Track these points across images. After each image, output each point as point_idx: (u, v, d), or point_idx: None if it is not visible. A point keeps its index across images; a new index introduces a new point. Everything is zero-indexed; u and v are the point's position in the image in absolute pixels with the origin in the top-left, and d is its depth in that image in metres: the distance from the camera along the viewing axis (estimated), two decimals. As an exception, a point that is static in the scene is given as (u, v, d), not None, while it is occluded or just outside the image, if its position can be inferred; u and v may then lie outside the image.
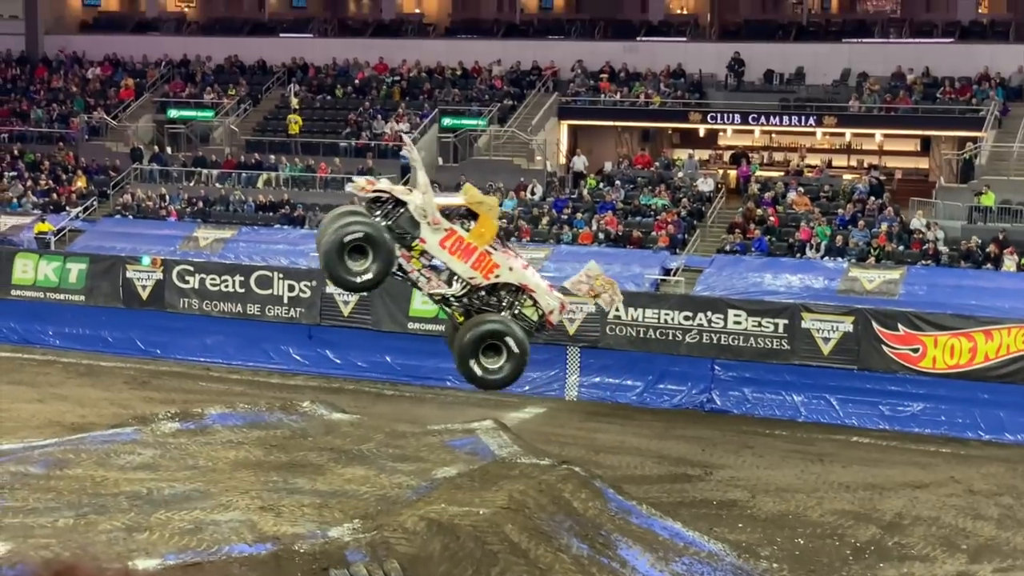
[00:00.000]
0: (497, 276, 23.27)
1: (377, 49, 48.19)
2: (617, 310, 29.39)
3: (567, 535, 21.00)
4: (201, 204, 41.48)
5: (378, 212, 23.07)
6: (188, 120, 46.79)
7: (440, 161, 42.94)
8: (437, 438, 27.36)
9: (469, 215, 23.41)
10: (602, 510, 22.21)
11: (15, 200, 42.70)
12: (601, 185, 40.63)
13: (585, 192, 40.22)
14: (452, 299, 23.57)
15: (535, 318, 23.34)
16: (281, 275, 37.05)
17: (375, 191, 23.16)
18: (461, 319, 23.41)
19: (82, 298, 38.89)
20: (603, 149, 44.61)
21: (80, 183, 43.69)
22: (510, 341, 22.62)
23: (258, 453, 26.21)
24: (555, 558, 20.09)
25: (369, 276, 22.21)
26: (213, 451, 26.32)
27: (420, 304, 35.48)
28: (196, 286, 37.72)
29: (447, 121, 44.17)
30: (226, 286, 37.41)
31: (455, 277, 23.21)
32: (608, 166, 42.26)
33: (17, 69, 50.87)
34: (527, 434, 28.37)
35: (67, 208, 42.00)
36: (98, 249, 39.34)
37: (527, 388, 34.39)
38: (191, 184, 42.88)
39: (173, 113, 47.36)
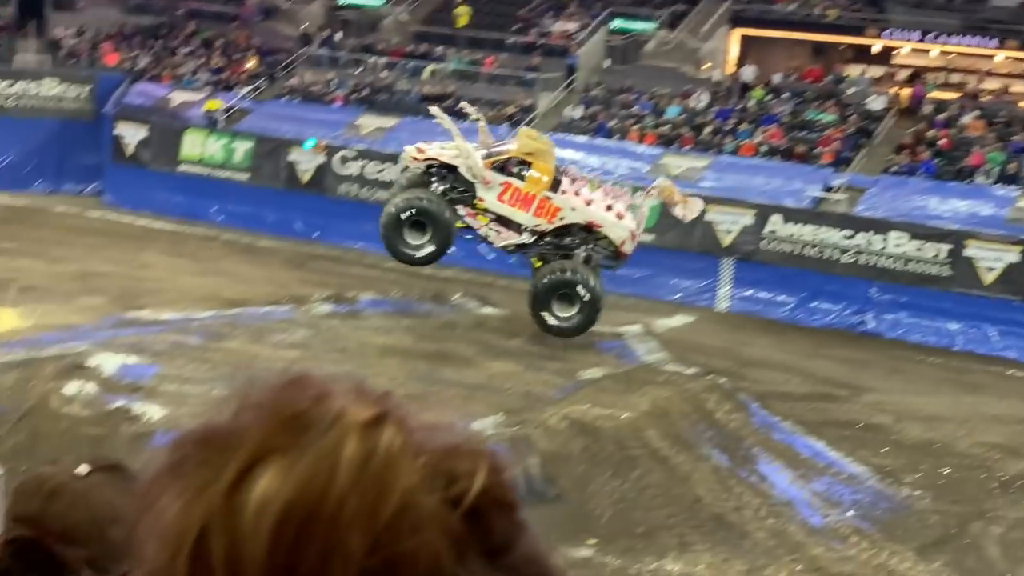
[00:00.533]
0: (562, 219, 24.18)
1: (551, -55, 47.75)
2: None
3: (708, 445, 20.97)
4: (367, 91, 41.78)
5: (434, 180, 23.51)
6: (359, 7, 47.02)
7: (607, 63, 42.54)
8: (585, 339, 27.44)
9: (524, 163, 23.93)
10: (745, 423, 22.12)
11: (188, 76, 43.47)
12: (768, 97, 39.93)
13: (751, 103, 39.58)
14: (526, 247, 24.59)
15: (610, 250, 24.07)
16: (441, 167, 37.20)
17: (426, 159, 23.39)
18: (538, 264, 23.72)
19: (246, 177, 39.59)
20: (773, 60, 43.73)
21: (251, 63, 44.27)
22: (581, 290, 23.00)
23: (407, 341, 26.60)
24: (694, 467, 20.09)
25: (431, 249, 24.15)
26: (363, 336, 26.80)
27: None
28: (356, 172, 38.11)
29: (617, 23, 43.69)
30: (386, 175, 37.72)
31: (523, 226, 24.14)
32: (777, 78, 41.47)
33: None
34: (675, 342, 28.30)
35: (237, 87, 42.62)
36: (264, 130, 39.92)
37: (679, 296, 34.24)
38: (358, 71, 43.17)
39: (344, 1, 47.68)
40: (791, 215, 33.23)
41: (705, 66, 42.22)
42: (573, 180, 24.78)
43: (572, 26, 43.33)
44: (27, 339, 26.93)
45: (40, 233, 37.02)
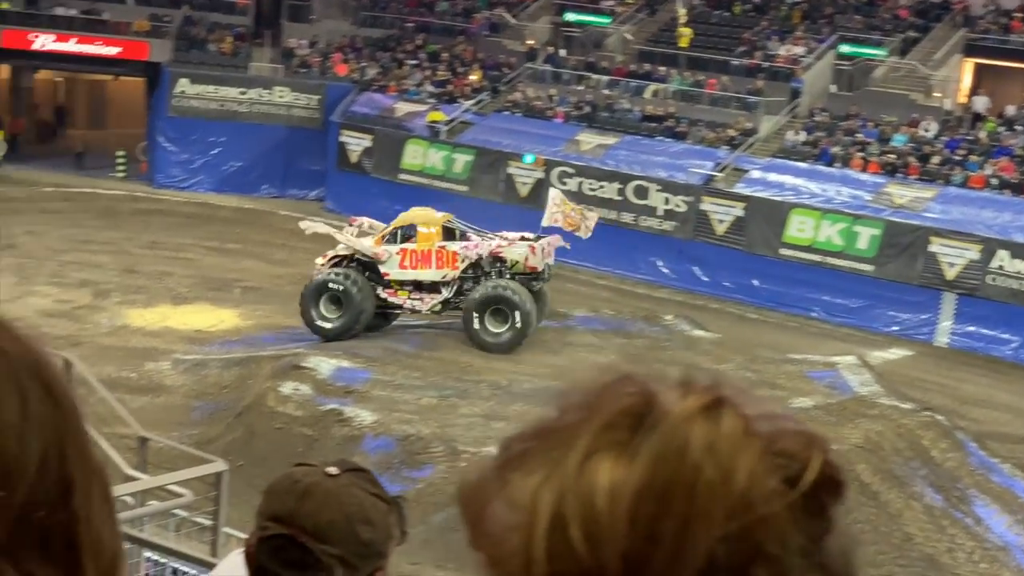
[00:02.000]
0: (464, 259, 26.52)
1: (781, -32, 47.14)
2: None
3: (921, 483, 20.34)
4: (587, 108, 41.87)
5: (342, 271, 26.56)
6: (584, 24, 47.18)
7: (833, 89, 41.79)
8: (797, 367, 26.98)
9: (411, 231, 26.84)
10: (961, 463, 21.39)
11: (413, 88, 44.21)
12: (1001, 129, 38.66)
13: (982, 134, 38.38)
14: (450, 300, 26.73)
15: (520, 269, 26.49)
16: (659, 187, 37.09)
17: (329, 261, 27.05)
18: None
19: (465, 188, 40.05)
20: (1007, 91, 42.34)
21: (475, 77, 44.80)
22: (511, 299, 25.74)
23: (617, 359, 26.49)
24: (905, 504, 19.51)
25: (338, 325, 26.14)
26: (574, 352, 26.81)
27: (795, 231, 34.88)
28: (574, 189, 38.19)
29: (845, 48, 42.88)
30: (603, 192, 37.75)
31: (436, 283, 26.58)
32: (1011, 110, 40.13)
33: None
34: (890, 375, 27.56)
35: (460, 100, 43.18)
36: (485, 143, 40.34)
37: (896, 328, 33.39)
38: (580, 88, 43.30)
39: (571, 16, 47.84)
40: (1020, 251, 32.10)
41: (935, 94, 41.13)
42: (463, 234, 27.25)
43: (799, 50, 42.70)
44: (247, 338, 27.73)
45: (264, 236, 38.09)
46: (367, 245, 26.91)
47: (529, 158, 39.02)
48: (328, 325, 26.42)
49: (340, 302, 26.35)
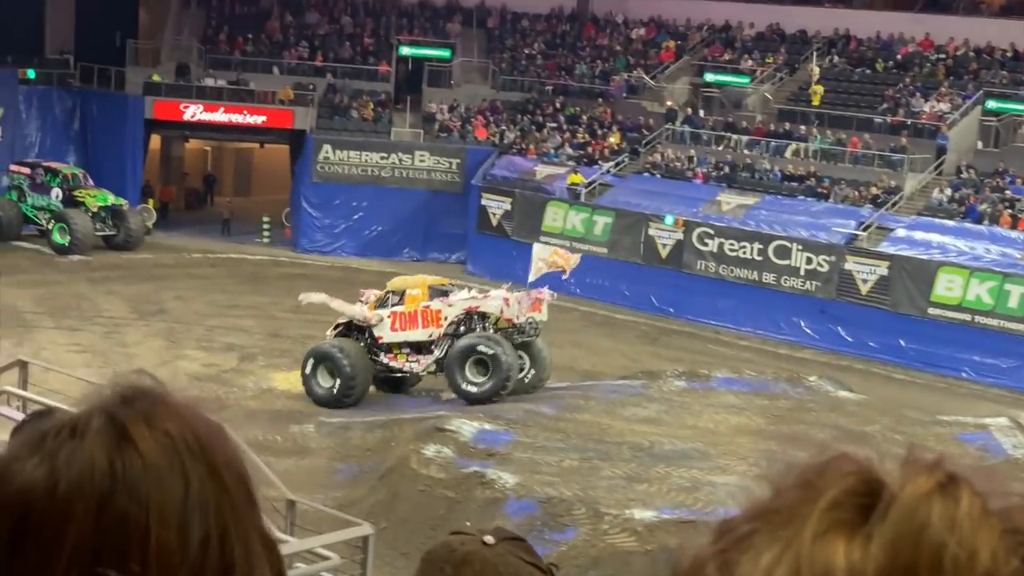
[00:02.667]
0: (447, 317, 27.46)
1: (925, 24, 46.57)
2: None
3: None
4: (727, 169, 41.68)
5: (337, 340, 27.85)
6: (723, 85, 47.05)
7: (980, 145, 41.04)
8: (947, 429, 26.38)
9: (400, 295, 27.95)
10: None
11: (552, 150, 44.45)
12: None
13: None
14: (443, 359, 27.52)
15: (495, 321, 27.39)
16: (800, 247, 36.71)
17: (335, 330, 28.35)
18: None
19: (605, 250, 40.06)
20: None
21: (614, 139, 44.90)
22: (486, 349, 26.46)
23: (760, 421, 26.17)
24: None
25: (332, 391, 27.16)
26: (716, 413, 26.54)
27: (943, 290, 34.22)
28: (715, 249, 38.01)
29: (992, 104, 42.13)
30: (744, 252, 37.48)
31: (427, 342, 27.58)
32: None
33: (567, 25, 52.82)
34: (1045, 438, 26.74)
35: (599, 162, 43.29)
36: (624, 204, 40.36)
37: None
38: (719, 148, 43.13)
39: (709, 77, 47.78)
40: None
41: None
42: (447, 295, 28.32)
43: (943, 106, 42.06)
44: (390, 400, 27.94)
45: (406, 298, 38.40)
46: (357, 311, 28.19)
47: (669, 219, 38.94)
48: (320, 391, 27.38)
49: (332, 371, 27.32)
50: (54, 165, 42.84)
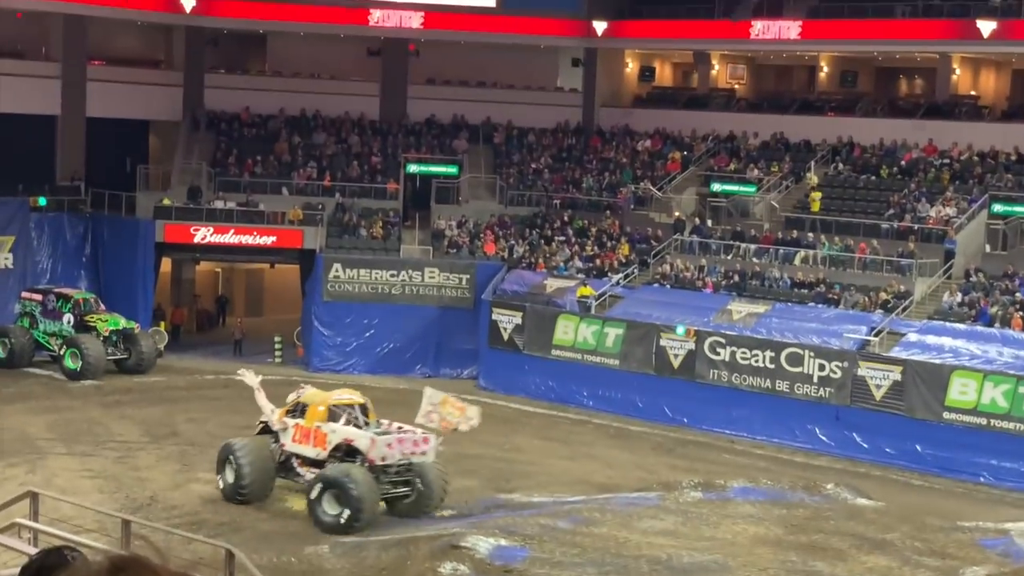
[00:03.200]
0: (330, 442, 27.70)
1: (927, 130, 46.93)
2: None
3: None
4: (737, 277, 41.77)
5: (245, 441, 28.76)
6: (730, 194, 47.34)
7: (987, 248, 41.13)
8: (967, 535, 26.14)
9: (302, 408, 28.59)
10: None
11: (562, 264, 44.60)
12: None
13: None
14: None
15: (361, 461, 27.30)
16: (812, 353, 36.65)
17: (260, 423, 29.43)
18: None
19: (616, 362, 40.02)
20: None
21: (623, 251, 45.08)
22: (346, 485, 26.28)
23: (778, 531, 25.93)
24: None
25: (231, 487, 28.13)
26: (733, 524, 26.31)
27: (958, 394, 34.07)
28: (727, 358, 37.95)
29: (998, 207, 42.30)
30: (756, 360, 37.41)
31: (318, 461, 27.89)
32: None
33: (573, 139, 53.30)
34: (1068, 542, 26.44)
35: (609, 274, 43.41)
36: (635, 316, 40.39)
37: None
38: (728, 257, 43.27)
39: (716, 187, 48.07)
40: None
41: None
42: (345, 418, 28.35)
43: (950, 210, 42.23)
44: (405, 519, 27.73)
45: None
46: (268, 413, 29.10)
47: (680, 329, 38.94)
48: (222, 485, 28.45)
49: (236, 470, 28.11)
50: (65, 291, 43.05)
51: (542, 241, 46.50)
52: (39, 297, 42.62)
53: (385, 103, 53.20)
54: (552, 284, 43.11)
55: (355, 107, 52.57)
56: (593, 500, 28.75)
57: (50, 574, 3.15)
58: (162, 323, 46.33)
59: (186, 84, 51.55)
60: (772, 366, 37.13)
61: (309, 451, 28.13)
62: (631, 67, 56.56)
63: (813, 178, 45.99)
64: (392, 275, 44.69)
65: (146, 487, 29.40)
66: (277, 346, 45.33)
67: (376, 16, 50.97)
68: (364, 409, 28.80)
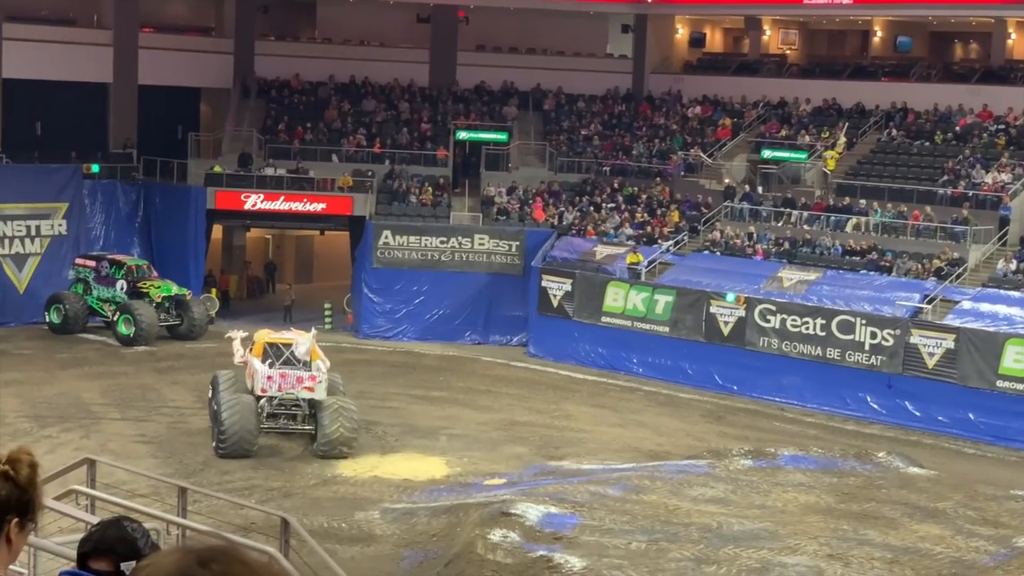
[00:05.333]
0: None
1: (982, 96, 46.41)
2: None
3: None
4: (787, 245, 41.51)
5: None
6: (781, 161, 46.99)
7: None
8: (1020, 504, 25.96)
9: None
10: None
11: (612, 231, 44.46)
12: None
13: None
14: None
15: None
16: (864, 321, 36.40)
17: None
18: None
19: (666, 329, 39.93)
20: None
21: (673, 218, 44.88)
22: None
23: (829, 499, 25.82)
24: None
25: None
26: (784, 492, 26.22)
27: (1012, 362, 33.77)
28: (777, 326, 37.77)
29: (1053, 172, 41.80)
30: (807, 328, 37.21)
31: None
32: None
33: (623, 106, 53.06)
34: (1123, 511, 26.19)
35: (659, 241, 43.24)
36: (685, 283, 40.25)
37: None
38: (779, 224, 43.00)
39: (767, 153, 47.72)
40: None
41: None
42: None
43: (1004, 176, 41.76)
44: (455, 486, 27.83)
45: (468, 382, 38.43)
46: (236, 350, 31.81)
47: (731, 296, 38.77)
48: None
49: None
50: (119, 257, 43.38)
51: (592, 208, 46.37)
52: (93, 263, 42.97)
53: (435, 70, 53.14)
54: (602, 251, 43.00)
55: (405, 74, 52.53)
56: (643, 467, 28.73)
57: (123, 558, 3.08)
58: (213, 290, 46.59)
59: (237, 51, 51.65)
60: (823, 334, 36.91)
61: (248, 383, 30.81)
62: (681, 33, 56.19)
63: (842, 140, 45.60)
64: (442, 242, 44.71)
65: (198, 452, 29.65)
66: (327, 313, 45.49)
67: (426, -18, 50.88)
68: (303, 349, 30.81)
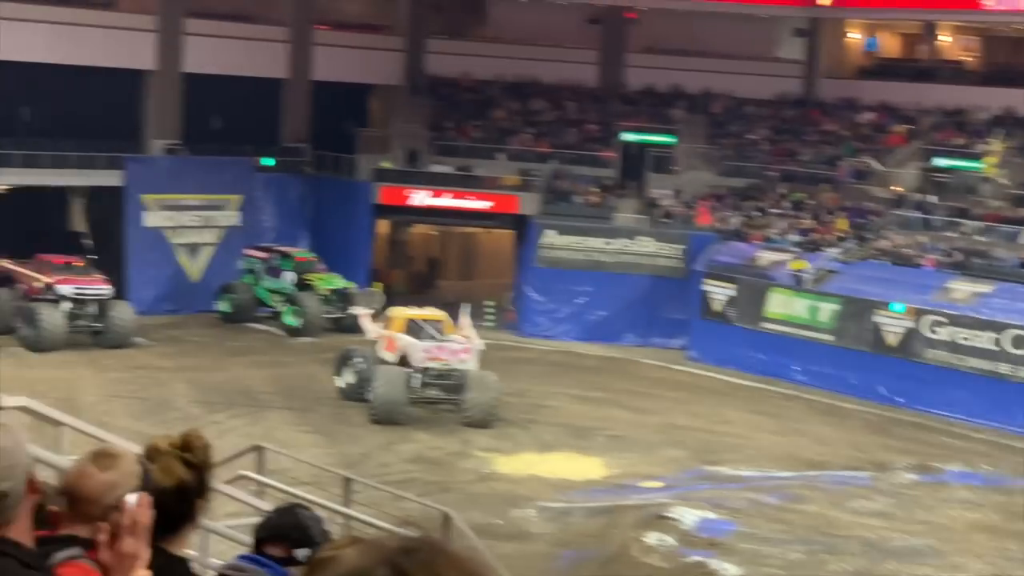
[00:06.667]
0: (399, 349, 33.02)
1: None
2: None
3: None
4: (959, 256, 40.55)
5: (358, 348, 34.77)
6: (955, 170, 45.94)
7: None
8: None
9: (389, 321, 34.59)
10: None
11: (777, 236, 43.96)
12: None
13: None
14: None
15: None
16: (1037, 336, 35.39)
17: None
18: None
19: (830, 338, 39.31)
20: None
21: (840, 225, 44.18)
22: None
23: (996, 518, 25.21)
24: None
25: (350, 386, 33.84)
26: (949, 509, 25.67)
27: None
28: (946, 338, 36.94)
29: None
30: (978, 341, 36.32)
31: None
32: None
33: (792, 111, 52.39)
34: None
35: (825, 248, 42.61)
36: (851, 291, 39.57)
37: None
38: (951, 234, 42.04)
39: (940, 162, 46.69)
40: None
41: None
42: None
43: None
44: (612, 487, 27.80)
45: (627, 384, 38.34)
46: (369, 327, 34.42)
47: (898, 307, 38.02)
48: (343, 386, 33.87)
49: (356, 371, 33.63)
50: (287, 249, 44.24)
51: (757, 213, 45.89)
52: (262, 255, 43.89)
53: (603, 71, 53.12)
54: (766, 256, 42.52)
55: (573, 74, 52.58)
56: (802, 476, 28.37)
57: (297, 545, 3.22)
58: (378, 284, 47.22)
59: (408, 49, 52.31)
60: (995, 348, 35.98)
61: (389, 356, 32.93)
62: (855, 37, 55.26)
63: (999, 146, 44.27)
64: (605, 243, 44.68)
65: (359, 444, 30.10)
66: (489, 311, 45.78)
67: (597, -17, 50.87)
68: (440, 325, 33.82)
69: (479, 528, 23.29)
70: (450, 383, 32.62)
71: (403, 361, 32.77)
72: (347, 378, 33.83)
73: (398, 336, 33.04)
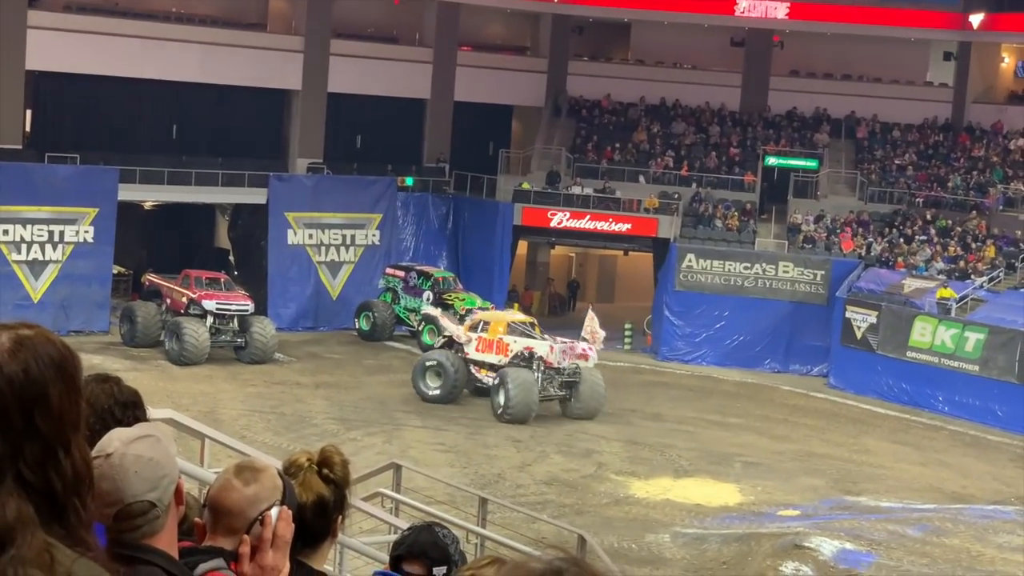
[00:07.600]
0: (511, 351, 34.76)
1: None
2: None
3: None
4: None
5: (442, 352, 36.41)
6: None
7: None
8: None
9: (484, 324, 36.04)
10: None
11: (922, 264, 43.15)
12: None
13: None
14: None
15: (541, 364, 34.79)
16: None
17: (443, 337, 36.99)
18: None
19: (976, 368, 38.42)
20: None
21: (989, 253, 43.22)
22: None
23: None
24: None
25: (438, 393, 35.26)
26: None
27: None
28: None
29: None
30: None
31: (496, 365, 35.19)
32: None
33: (941, 135, 51.44)
34: None
35: (972, 276, 41.71)
36: (999, 321, 38.65)
37: None
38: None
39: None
40: None
41: None
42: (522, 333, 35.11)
43: None
44: (748, 514, 27.46)
45: (765, 411, 37.89)
46: (455, 329, 35.76)
47: (1048, 337, 37.02)
48: (430, 392, 35.16)
49: (439, 374, 35.18)
50: (426, 268, 44.57)
51: (902, 240, 45.09)
52: (402, 274, 44.26)
53: (746, 94, 52.70)
54: (910, 284, 41.74)
55: (716, 97, 52.27)
56: (945, 509, 27.72)
57: (435, 563, 3.25)
58: (515, 304, 47.34)
59: (550, 71, 52.48)
60: None
61: (492, 358, 34.67)
62: (1008, 62, 54.07)
63: None
64: (745, 267, 44.26)
65: (494, 464, 30.14)
66: (627, 334, 45.60)
67: (742, 6, 50.49)
68: (533, 326, 35.68)
69: (613, 552, 23.17)
70: (571, 380, 34.50)
71: (517, 360, 34.36)
72: (431, 383, 35.27)
73: (511, 338, 34.68)
